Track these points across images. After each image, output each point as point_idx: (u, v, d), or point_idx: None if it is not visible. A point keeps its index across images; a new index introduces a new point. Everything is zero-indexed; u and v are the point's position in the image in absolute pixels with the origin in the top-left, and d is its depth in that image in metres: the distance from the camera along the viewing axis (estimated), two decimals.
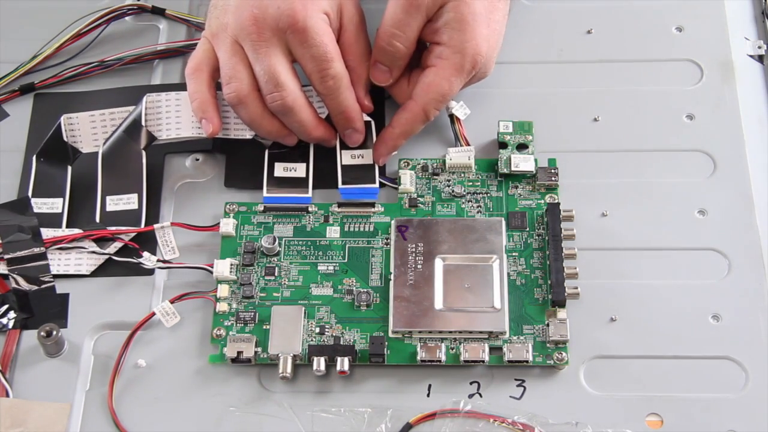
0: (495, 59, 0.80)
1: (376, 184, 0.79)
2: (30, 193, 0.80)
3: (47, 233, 0.78)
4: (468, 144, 0.80)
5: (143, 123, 0.79)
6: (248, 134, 0.80)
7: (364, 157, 0.80)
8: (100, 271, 0.77)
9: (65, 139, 0.81)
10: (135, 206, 0.79)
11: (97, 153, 0.81)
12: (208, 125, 0.78)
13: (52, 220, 0.79)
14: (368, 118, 0.80)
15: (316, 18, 0.75)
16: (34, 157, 0.81)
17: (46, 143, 0.81)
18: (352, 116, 0.78)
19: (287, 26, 0.74)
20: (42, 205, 0.79)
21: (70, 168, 0.81)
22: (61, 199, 0.80)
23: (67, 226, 0.78)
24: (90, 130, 0.82)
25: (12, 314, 0.75)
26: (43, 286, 0.76)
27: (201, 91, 0.78)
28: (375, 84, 0.79)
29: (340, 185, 0.79)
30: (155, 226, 0.78)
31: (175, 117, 0.80)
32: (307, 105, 0.77)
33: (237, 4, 0.77)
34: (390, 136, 0.79)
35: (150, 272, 0.77)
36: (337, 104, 0.77)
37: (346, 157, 0.80)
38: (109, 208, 0.79)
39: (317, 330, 0.74)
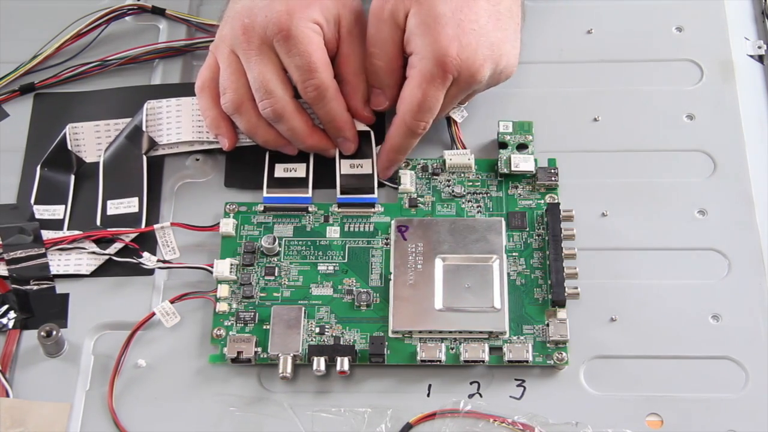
0: (484, 57, 0.75)
1: (375, 195, 0.79)
2: (33, 200, 0.80)
3: (48, 234, 0.77)
4: (464, 147, 0.80)
5: (144, 129, 0.80)
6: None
7: (363, 167, 0.79)
8: (100, 272, 0.77)
9: (69, 147, 0.81)
10: (135, 209, 0.79)
11: (99, 160, 0.81)
12: (223, 140, 0.79)
13: (54, 226, 0.78)
14: (367, 128, 0.79)
15: (302, 27, 0.74)
16: (39, 167, 0.81)
17: (51, 153, 0.81)
18: (340, 125, 0.78)
19: (273, 35, 0.74)
20: (44, 211, 0.79)
21: (73, 177, 0.81)
22: (63, 206, 0.80)
23: (68, 230, 0.78)
24: (95, 140, 0.82)
25: (12, 314, 0.75)
26: (43, 286, 0.76)
27: (210, 107, 0.79)
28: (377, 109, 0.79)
29: (338, 195, 0.78)
30: (155, 226, 0.78)
31: (175, 122, 0.80)
32: (299, 112, 0.77)
33: (233, 15, 0.77)
34: (383, 150, 0.79)
35: (150, 272, 0.77)
36: (324, 113, 0.77)
37: (345, 167, 0.79)
38: (110, 211, 0.79)
39: (317, 330, 0.74)
